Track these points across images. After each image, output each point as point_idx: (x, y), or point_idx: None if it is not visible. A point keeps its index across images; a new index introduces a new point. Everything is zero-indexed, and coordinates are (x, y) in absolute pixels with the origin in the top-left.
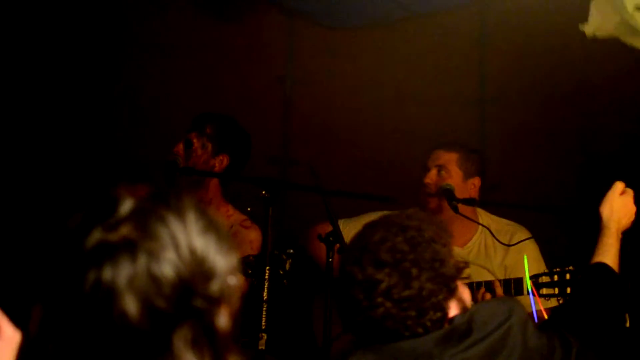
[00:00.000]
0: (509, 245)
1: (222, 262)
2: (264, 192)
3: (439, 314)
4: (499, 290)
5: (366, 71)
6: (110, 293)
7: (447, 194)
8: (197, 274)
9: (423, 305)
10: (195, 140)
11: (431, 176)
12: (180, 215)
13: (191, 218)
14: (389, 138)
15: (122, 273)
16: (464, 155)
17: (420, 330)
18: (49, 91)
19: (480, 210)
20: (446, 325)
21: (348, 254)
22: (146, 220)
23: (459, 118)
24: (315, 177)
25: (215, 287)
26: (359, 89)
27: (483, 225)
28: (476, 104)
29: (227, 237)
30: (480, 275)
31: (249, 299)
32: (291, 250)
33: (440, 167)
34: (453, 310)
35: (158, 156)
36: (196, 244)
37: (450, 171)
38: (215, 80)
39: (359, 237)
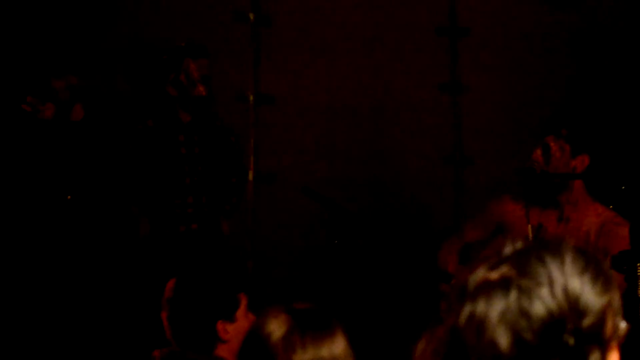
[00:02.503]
0: None
1: (598, 301)
2: (623, 187)
3: None
4: None
5: None
6: (481, 325)
7: None
8: (569, 311)
9: None
10: (552, 144)
11: None
12: (559, 256)
13: (569, 259)
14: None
15: (495, 307)
16: None
17: None
18: None
19: None
20: None
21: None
22: (525, 260)
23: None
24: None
25: (587, 324)
26: None
27: None
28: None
29: (606, 278)
30: None
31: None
32: None
33: None
34: None
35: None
36: (571, 283)
37: None
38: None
39: None
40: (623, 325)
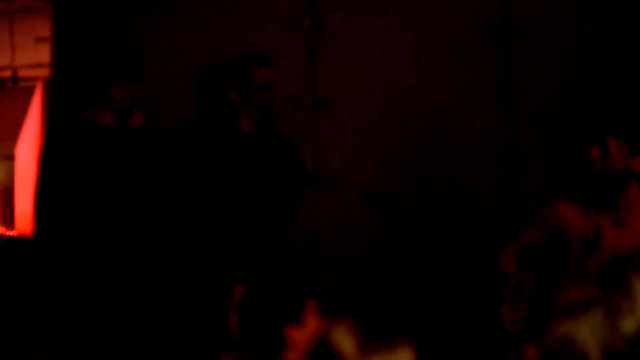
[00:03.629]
0: None
1: None
2: None
3: None
4: None
5: None
6: (570, 342)
7: None
8: None
9: None
10: (611, 143)
11: None
12: None
13: None
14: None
15: (582, 325)
16: None
17: None
18: None
19: None
20: None
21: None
22: (609, 277)
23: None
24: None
25: None
26: None
27: None
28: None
29: None
30: None
31: None
32: None
33: None
34: None
35: None
36: None
37: None
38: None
39: None
40: None
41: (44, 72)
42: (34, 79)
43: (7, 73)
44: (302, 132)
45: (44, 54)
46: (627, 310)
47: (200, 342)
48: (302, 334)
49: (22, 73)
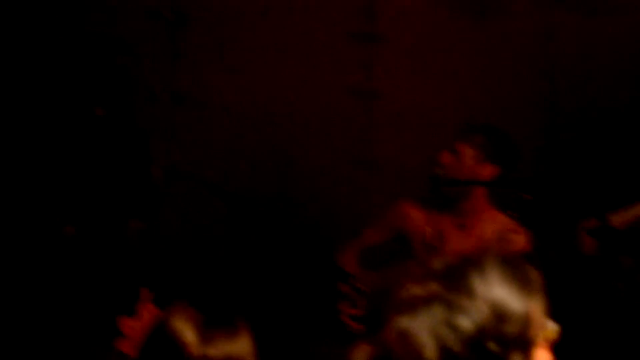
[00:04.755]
0: None
1: (521, 307)
2: (525, 196)
3: None
4: None
5: None
6: (410, 339)
7: None
8: (494, 320)
9: None
10: (464, 151)
11: None
12: (482, 269)
13: (492, 271)
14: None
15: (423, 322)
16: None
17: None
18: None
19: None
20: None
21: (617, 240)
22: (451, 276)
23: None
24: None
25: (510, 330)
26: None
27: None
28: None
29: (531, 284)
30: None
31: None
32: None
33: None
34: None
35: None
36: (494, 294)
37: None
38: None
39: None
40: (551, 326)
41: None
42: None
43: None
44: (157, 125)
45: None
46: (466, 309)
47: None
48: (136, 324)
49: None
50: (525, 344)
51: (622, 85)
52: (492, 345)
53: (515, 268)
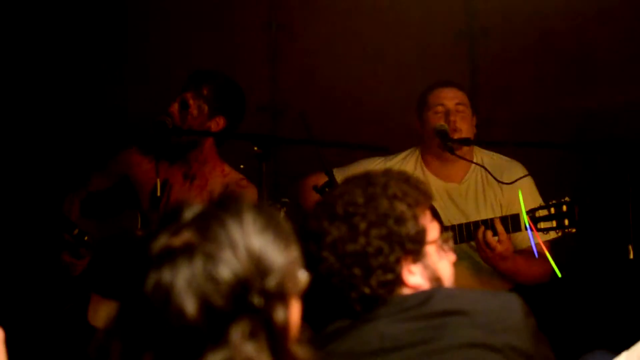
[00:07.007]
0: (503, 183)
1: (280, 258)
2: (255, 148)
3: (389, 276)
4: (499, 227)
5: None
6: (168, 293)
7: (441, 135)
8: (254, 271)
9: (369, 263)
10: (191, 102)
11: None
12: (239, 217)
13: (249, 219)
14: (383, 82)
15: (180, 275)
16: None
17: (367, 290)
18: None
19: (475, 147)
20: (402, 291)
21: (315, 206)
22: (206, 225)
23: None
24: (306, 127)
25: (272, 283)
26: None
27: (478, 164)
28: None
29: (286, 234)
30: (478, 213)
31: None
32: (286, 199)
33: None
34: (416, 277)
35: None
36: (253, 243)
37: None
38: (199, 30)
39: (331, 190)
40: (303, 276)
41: None
42: None
43: None
44: None
45: None
46: (226, 260)
47: None
48: None
49: None
50: (284, 295)
51: None
52: (256, 299)
53: (270, 218)
